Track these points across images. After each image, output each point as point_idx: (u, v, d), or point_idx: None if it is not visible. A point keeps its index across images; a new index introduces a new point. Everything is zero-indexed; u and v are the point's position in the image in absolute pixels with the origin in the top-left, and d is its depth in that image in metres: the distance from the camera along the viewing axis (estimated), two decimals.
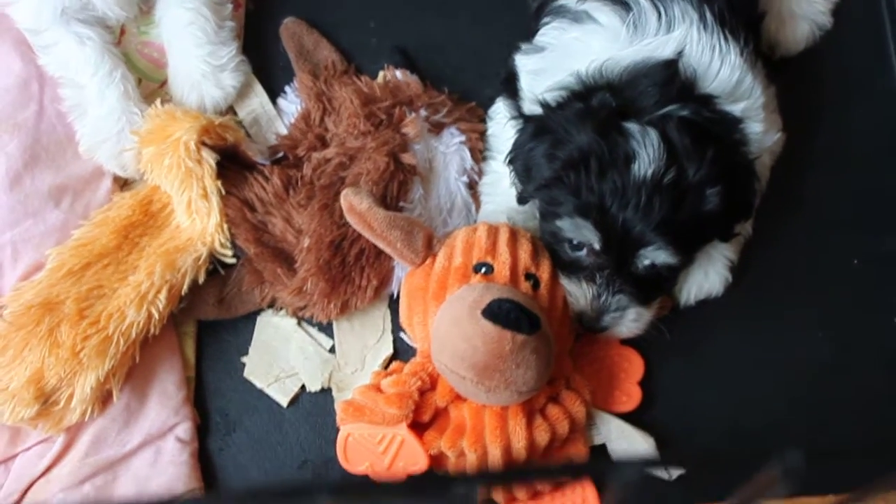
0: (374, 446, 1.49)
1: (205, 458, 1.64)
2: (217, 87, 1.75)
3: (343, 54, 1.85)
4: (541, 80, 1.57)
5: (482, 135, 1.77)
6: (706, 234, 1.52)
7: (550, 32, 1.61)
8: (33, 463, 1.58)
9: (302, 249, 1.64)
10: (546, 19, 1.63)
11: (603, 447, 1.61)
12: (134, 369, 1.62)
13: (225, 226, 1.64)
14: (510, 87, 1.68)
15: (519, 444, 1.46)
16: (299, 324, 1.69)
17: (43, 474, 1.57)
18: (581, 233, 1.46)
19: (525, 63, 1.63)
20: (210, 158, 1.62)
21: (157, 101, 1.69)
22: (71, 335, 1.53)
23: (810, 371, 1.70)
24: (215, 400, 1.68)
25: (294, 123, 1.78)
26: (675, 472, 1.57)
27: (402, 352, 1.68)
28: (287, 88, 1.83)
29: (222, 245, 1.64)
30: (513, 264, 1.52)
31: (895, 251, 1.78)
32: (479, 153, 1.76)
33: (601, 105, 1.46)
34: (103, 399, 1.59)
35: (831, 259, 1.77)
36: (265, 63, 1.86)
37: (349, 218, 1.55)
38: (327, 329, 1.70)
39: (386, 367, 1.66)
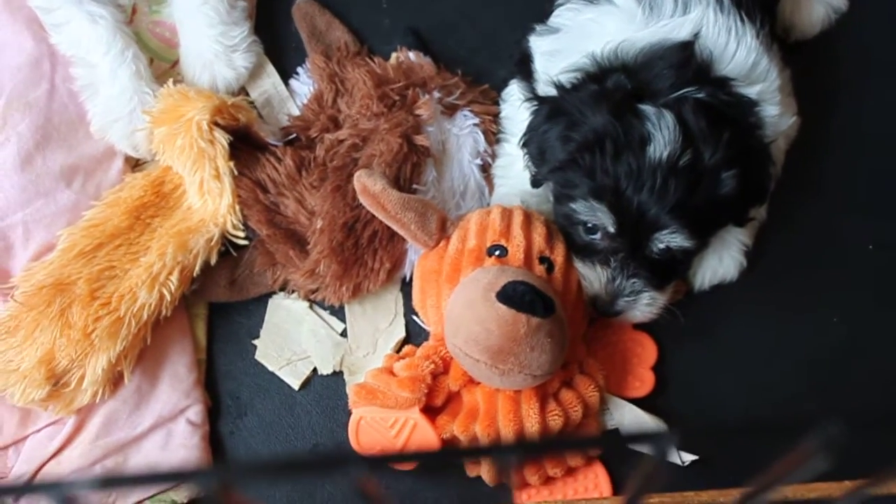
0: (386, 430, 1.48)
1: (216, 441, 1.64)
2: (229, 67, 1.75)
3: (356, 35, 1.84)
4: (555, 61, 1.57)
5: (496, 117, 1.76)
6: (721, 218, 1.51)
7: (565, 13, 1.60)
8: (44, 445, 1.58)
9: (314, 231, 1.63)
10: (561, 0, 1.62)
11: (615, 432, 1.60)
12: (145, 351, 1.62)
13: (237, 207, 1.63)
14: (524, 68, 1.67)
15: (532, 429, 1.45)
16: (311, 306, 1.69)
17: (53, 456, 1.57)
18: (595, 216, 1.45)
19: (540, 44, 1.62)
20: (222, 139, 1.61)
21: (170, 82, 1.68)
22: (82, 316, 1.53)
23: (825, 355, 1.69)
24: (226, 383, 1.67)
25: (306, 104, 1.78)
26: (689, 458, 1.56)
27: (414, 335, 1.68)
28: (299, 69, 1.83)
29: (234, 226, 1.64)
30: (527, 247, 1.51)
31: None
32: (493, 136, 1.75)
33: (616, 87, 1.45)
34: (114, 381, 1.59)
35: (846, 243, 1.76)
36: (277, 44, 1.85)
37: (363, 199, 1.54)
38: (339, 312, 1.69)
39: (398, 350, 1.65)
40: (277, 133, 1.73)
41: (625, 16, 1.52)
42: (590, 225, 1.48)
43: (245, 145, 1.69)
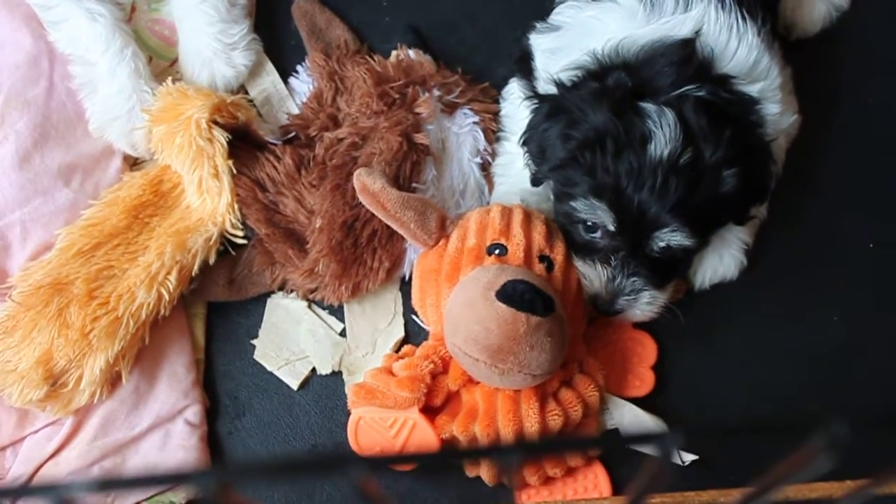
0: (385, 430, 1.48)
1: (214, 442, 1.64)
2: (228, 65, 1.74)
3: (355, 33, 1.84)
4: (556, 59, 1.56)
5: (496, 115, 1.76)
6: (722, 217, 1.51)
7: (566, 11, 1.60)
8: (41, 445, 1.57)
9: (314, 230, 1.62)
10: None
11: (615, 432, 1.60)
12: (143, 351, 1.61)
13: (236, 206, 1.63)
14: (524, 66, 1.67)
15: (532, 429, 1.45)
16: (310, 306, 1.68)
17: (51, 457, 1.56)
18: (596, 214, 1.44)
19: (540, 42, 1.62)
20: (221, 137, 1.61)
21: (169, 80, 1.68)
22: (80, 316, 1.52)
23: (825, 354, 1.68)
24: (225, 383, 1.67)
25: (306, 103, 1.77)
26: (689, 458, 1.56)
27: (413, 335, 1.67)
28: (299, 67, 1.83)
29: (233, 225, 1.63)
30: (527, 246, 1.50)
31: None
32: (493, 134, 1.75)
33: (617, 85, 1.44)
34: (112, 381, 1.58)
35: (847, 242, 1.76)
36: (277, 42, 1.85)
37: (362, 198, 1.54)
38: (338, 312, 1.69)
39: (397, 350, 1.65)
40: (276, 131, 1.73)
41: (626, 13, 1.52)
42: (590, 223, 1.47)
43: (244, 144, 1.69)
